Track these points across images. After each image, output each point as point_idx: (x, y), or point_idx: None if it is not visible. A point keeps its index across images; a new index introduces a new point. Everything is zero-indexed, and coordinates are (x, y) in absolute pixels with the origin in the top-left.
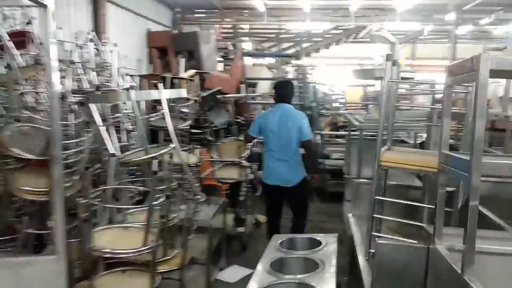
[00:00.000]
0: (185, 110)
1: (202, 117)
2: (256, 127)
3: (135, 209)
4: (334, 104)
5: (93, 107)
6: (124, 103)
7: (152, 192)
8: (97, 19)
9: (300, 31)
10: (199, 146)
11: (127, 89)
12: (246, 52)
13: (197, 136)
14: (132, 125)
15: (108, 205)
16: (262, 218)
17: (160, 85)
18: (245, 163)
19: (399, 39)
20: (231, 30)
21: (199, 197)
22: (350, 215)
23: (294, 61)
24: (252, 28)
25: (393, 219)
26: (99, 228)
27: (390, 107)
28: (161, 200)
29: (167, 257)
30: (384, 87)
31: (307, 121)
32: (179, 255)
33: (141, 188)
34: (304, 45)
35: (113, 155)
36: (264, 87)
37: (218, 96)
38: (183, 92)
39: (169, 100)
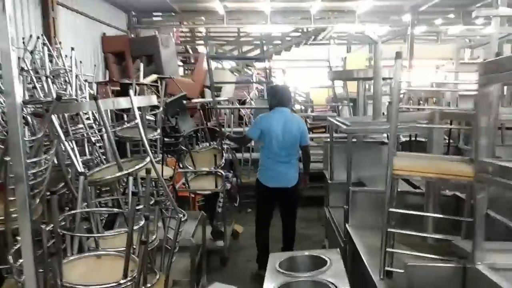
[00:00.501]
0: (151, 118)
1: (167, 125)
2: (258, 130)
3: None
4: (297, 107)
5: (54, 119)
6: (86, 113)
7: (131, 214)
8: (46, 23)
9: (261, 33)
10: (170, 157)
11: (94, 98)
12: (212, 55)
13: (169, 146)
14: (94, 137)
15: (81, 235)
16: (239, 228)
17: (131, 92)
18: (222, 172)
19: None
20: (189, 34)
21: (181, 216)
22: (348, 225)
23: (256, 64)
24: (211, 32)
25: (413, 233)
26: (69, 259)
27: (396, 109)
28: (141, 223)
29: (149, 285)
30: (395, 87)
31: (306, 127)
32: (161, 281)
33: (116, 210)
34: (265, 48)
35: (82, 173)
36: (229, 91)
37: (184, 101)
38: (154, 99)
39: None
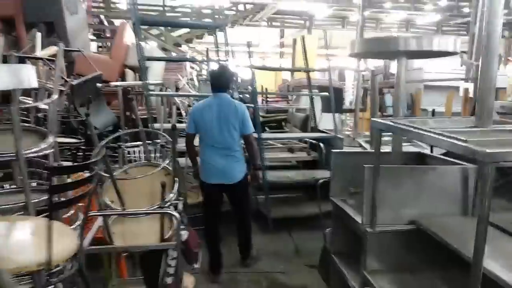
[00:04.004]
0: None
1: (74, 120)
2: (192, 123)
3: None
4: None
5: None
6: None
7: None
8: None
9: (190, 8)
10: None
11: None
12: (143, 19)
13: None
14: None
15: None
16: (190, 280)
17: None
18: (175, 214)
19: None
20: (102, 5)
21: None
22: None
23: (188, 44)
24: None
25: None
26: None
27: None
28: None
29: None
30: None
31: (248, 113)
32: None
33: None
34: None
35: None
36: (157, 74)
37: (98, 84)
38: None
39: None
